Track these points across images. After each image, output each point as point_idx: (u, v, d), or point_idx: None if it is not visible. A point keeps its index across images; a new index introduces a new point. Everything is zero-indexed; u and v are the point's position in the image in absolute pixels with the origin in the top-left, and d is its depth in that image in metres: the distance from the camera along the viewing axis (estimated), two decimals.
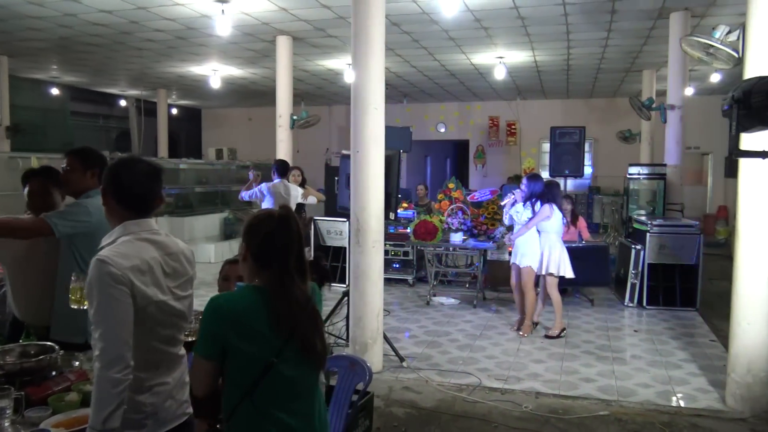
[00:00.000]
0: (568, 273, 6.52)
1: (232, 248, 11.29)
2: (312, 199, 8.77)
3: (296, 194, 8.14)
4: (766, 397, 4.61)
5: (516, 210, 6.59)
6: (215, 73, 13.24)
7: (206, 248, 11.25)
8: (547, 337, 6.58)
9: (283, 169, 8.08)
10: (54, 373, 2.68)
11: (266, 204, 7.83)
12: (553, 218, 6.47)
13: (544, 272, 6.54)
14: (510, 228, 7.13)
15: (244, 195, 8.10)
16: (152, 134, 16.81)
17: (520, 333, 6.62)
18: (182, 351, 2.28)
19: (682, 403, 4.84)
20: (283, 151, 10.47)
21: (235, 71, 13.45)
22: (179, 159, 14.65)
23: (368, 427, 3.88)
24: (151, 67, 13.11)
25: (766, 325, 4.55)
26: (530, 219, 6.48)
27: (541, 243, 6.51)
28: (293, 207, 8.08)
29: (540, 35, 10.02)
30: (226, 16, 8.43)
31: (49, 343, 2.85)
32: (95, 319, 1.99)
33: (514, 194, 6.62)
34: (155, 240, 2.22)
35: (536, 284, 6.73)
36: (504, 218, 6.91)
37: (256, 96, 16.80)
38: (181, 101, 18.98)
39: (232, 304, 2.08)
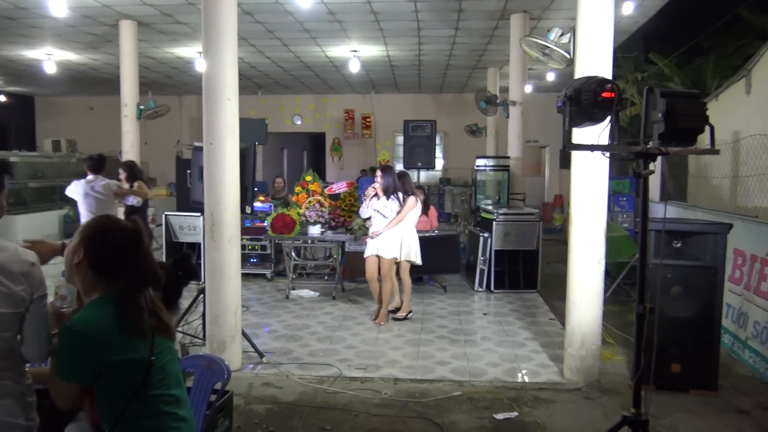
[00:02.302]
0: (419, 260, 6.90)
1: None
2: (131, 200, 7.62)
3: (107, 192, 7.20)
4: (597, 367, 5.09)
5: (383, 204, 6.70)
6: (50, 57, 12.17)
7: None
8: (395, 319, 6.88)
9: (95, 165, 7.23)
10: None
11: (81, 207, 7.10)
12: (415, 209, 6.84)
13: (403, 259, 6.80)
14: (365, 221, 7.24)
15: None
16: None
17: (376, 322, 6.78)
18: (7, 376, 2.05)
19: (526, 379, 5.21)
20: (129, 142, 9.90)
21: (73, 56, 12.45)
22: (9, 151, 13.32)
23: (228, 427, 3.79)
24: None
25: (596, 302, 5.02)
26: (399, 211, 6.68)
27: (400, 232, 6.74)
28: (109, 204, 7.21)
29: (392, 30, 10.27)
30: None
31: None
32: None
33: (375, 188, 6.74)
34: None
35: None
36: (363, 211, 6.92)
37: (98, 84, 15.67)
38: (11, 87, 17.23)
39: (92, 324, 1.99)
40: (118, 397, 2.02)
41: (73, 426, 2.22)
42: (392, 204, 6.68)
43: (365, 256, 6.90)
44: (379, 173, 6.77)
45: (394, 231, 6.69)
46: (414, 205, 6.79)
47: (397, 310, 7.01)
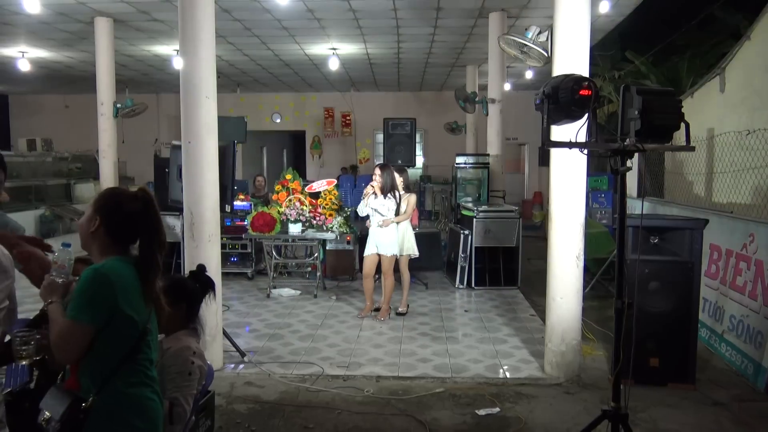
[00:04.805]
0: (416, 251, 6.99)
1: None
2: None
3: None
4: (577, 362, 5.15)
5: (381, 203, 6.70)
6: (24, 55, 11.97)
7: None
8: (398, 314, 6.96)
9: None
10: None
11: None
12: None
13: (404, 254, 6.88)
14: (364, 219, 7.23)
15: None
16: None
17: (379, 317, 6.83)
18: None
19: (507, 375, 5.25)
20: (106, 141, 9.80)
21: (47, 54, 12.26)
22: None
23: (210, 426, 3.76)
24: None
25: (576, 298, 5.06)
26: (397, 209, 6.72)
27: (401, 230, 6.79)
28: None
29: (371, 28, 10.26)
30: None
31: None
32: None
33: (373, 186, 6.73)
34: None
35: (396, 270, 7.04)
36: (363, 210, 6.89)
37: (73, 81, 15.44)
38: None
39: (116, 272, 2.09)
40: (112, 354, 2.09)
41: (49, 396, 2.16)
42: (389, 203, 6.70)
43: (365, 254, 6.93)
44: (378, 171, 6.78)
45: (394, 229, 6.71)
46: (415, 202, 6.97)
47: (378, 309, 7.02)
